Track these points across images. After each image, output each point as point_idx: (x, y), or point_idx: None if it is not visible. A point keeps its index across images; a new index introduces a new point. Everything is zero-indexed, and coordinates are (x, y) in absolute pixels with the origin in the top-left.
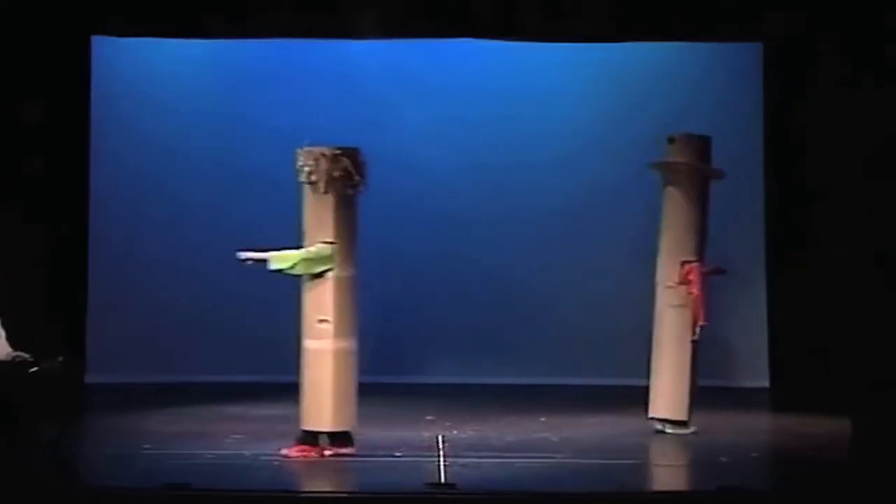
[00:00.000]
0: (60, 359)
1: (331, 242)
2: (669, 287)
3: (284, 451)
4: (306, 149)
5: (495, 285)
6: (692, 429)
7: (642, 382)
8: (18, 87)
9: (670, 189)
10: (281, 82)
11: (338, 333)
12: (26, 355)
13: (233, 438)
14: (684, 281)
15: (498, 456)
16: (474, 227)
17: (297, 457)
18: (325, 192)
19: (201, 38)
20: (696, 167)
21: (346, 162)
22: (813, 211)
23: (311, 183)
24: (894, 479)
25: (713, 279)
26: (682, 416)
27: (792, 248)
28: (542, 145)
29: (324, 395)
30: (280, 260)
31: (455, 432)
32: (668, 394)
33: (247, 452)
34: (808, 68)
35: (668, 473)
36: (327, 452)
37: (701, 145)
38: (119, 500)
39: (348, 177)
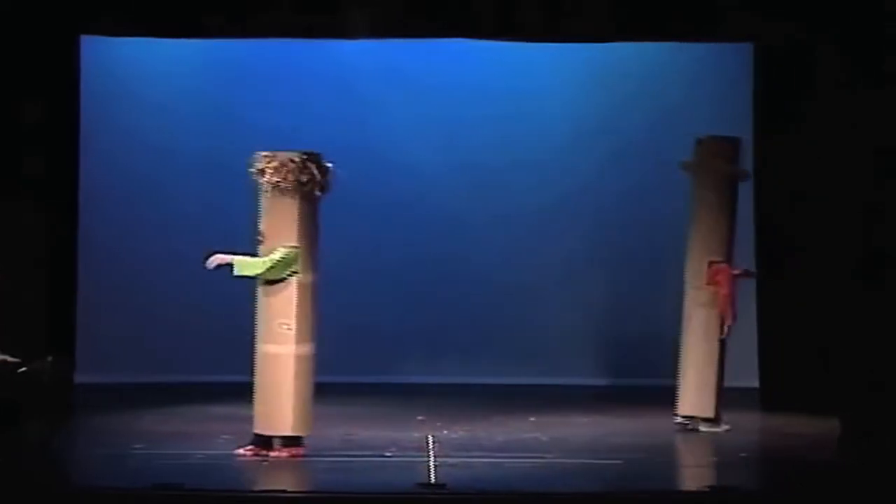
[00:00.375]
0: (50, 358)
1: (294, 247)
2: (697, 287)
3: (239, 451)
4: (268, 153)
5: (488, 285)
6: (725, 427)
7: (632, 382)
8: (8, 87)
9: (698, 190)
10: (274, 82)
11: (299, 339)
12: (15, 359)
13: (223, 438)
14: (712, 281)
15: (488, 456)
16: (468, 226)
17: (250, 457)
18: (292, 198)
19: (193, 37)
20: (724, 169)
21: (312, 168)
22: (803, 212)
23: (277, 188)
24: (882, 479)
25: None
26: (710, 414)
27: (782, 250)
28: (535, 144)
29: (283, 400)
30: (246, 267)
31: (445, 432)
32: (695, 392)
33: (237, 452)
34: (801, 69)
35: (657, 473)
36: (282, 454)
37: (730, 147)
38: (110, 501)
39: (314, 182)
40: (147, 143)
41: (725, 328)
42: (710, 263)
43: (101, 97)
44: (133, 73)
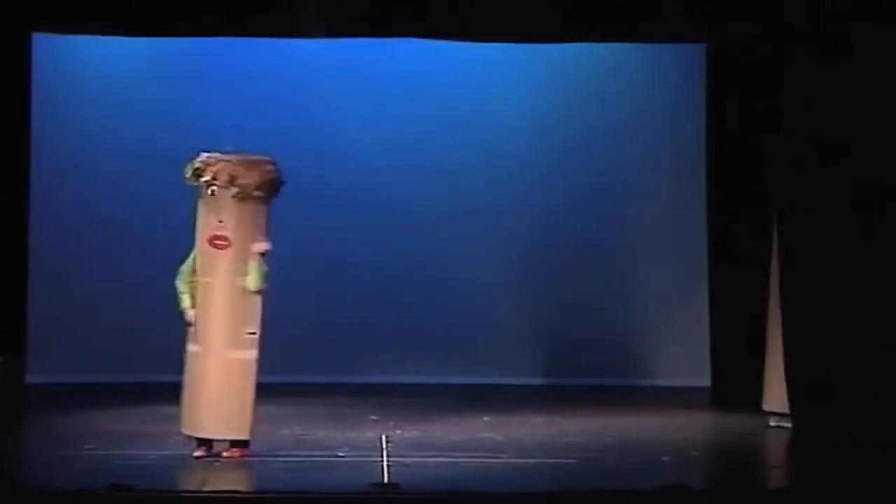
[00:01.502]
0: (0, 359)
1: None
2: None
3: (198, 454)
4: (226, 157)
5: (442, 285)
6: None
7: (586, 382)
8: None
9: None
10: (228, 81)
11: (256, 344)
12: None
13: (175, 439)
14: None
15: (442, 455)
16: (422, 226)
17: (205, 457)
18: (251, 202)
19: (148, 35)
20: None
21: (272, 173)
22: (755, 211)
23: (238, 195)
24: (834, 478)
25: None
26: None
27: (734, 250)
28: (490, 144)
29: (244, 405)
30: (254, 281)
31: (399, 432)
32: (781, 389)
33: (189, 453)
34: (754, 69)
35: (609, 473)
36: (235, 455)
37: None
38: (62, 502)
39: (272, 187)
40: (99, 143)
41: None
42: None
43: (53, 95)
44: (86, 71)
